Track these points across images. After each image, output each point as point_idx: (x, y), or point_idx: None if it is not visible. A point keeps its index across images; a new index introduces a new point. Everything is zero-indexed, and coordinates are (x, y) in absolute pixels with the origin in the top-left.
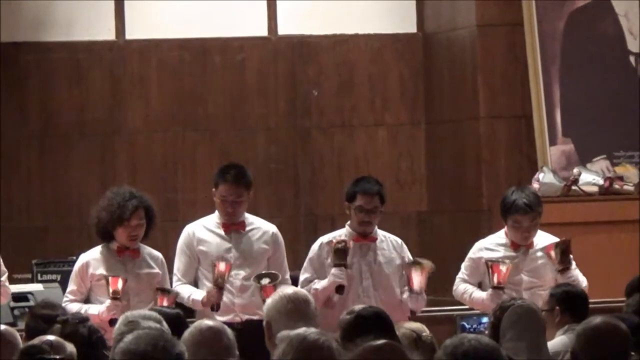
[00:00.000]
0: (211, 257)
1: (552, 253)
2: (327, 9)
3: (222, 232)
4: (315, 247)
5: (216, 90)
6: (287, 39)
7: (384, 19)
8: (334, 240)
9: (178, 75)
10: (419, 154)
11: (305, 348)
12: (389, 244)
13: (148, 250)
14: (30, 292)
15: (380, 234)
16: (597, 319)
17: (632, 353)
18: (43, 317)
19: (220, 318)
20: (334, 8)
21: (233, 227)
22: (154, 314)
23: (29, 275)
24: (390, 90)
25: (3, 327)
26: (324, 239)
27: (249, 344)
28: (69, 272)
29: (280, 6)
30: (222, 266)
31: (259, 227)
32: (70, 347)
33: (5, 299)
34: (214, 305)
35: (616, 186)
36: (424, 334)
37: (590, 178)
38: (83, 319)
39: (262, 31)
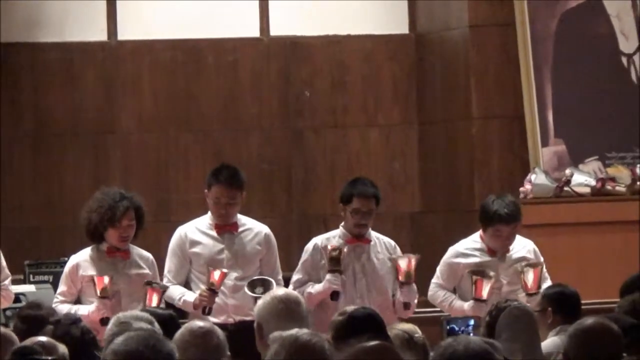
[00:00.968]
0: (204, 258)
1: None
2: (319, 10)
3: (214, 233)
4: (309, 248)
5: (209, 90)
6: (279, 39)
7: (376, 19)
8: (329, 247)
9: (171, 75)
10: (412, 155)
11: (297, 349)
12: (382, 245)
13: (138, 250)
14: (22, 293)
15: (374, 235)
16: (589, 320)
17: (624, 354)
18: (30, 318)
19: (213, 319)
20: (326, 9)
21: (226, 228)
22: (146, 315)
23: (21, 276)
24: (382, 91)
25: (2, 328)
26: (317, 240)
27: (242, 345)
28: (62, 273)
29: (272, 7)
30: (216, 275)
31: (252, 228)
32: (62, 348)
33: (7, 302)
34: (205, 308)
35: (608, 187)
36: (416, 335)
37: (582, 179)
38: (75, 320)
39: (255, 32)
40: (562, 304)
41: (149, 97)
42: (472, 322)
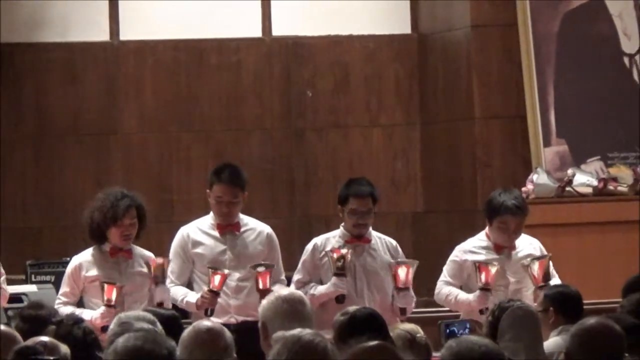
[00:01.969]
0: (206, 259)
1: (531, 269)
2: (322, 10)
3: (216, 233)
4: (308, 248)
5: (211, 90)
6: (282, 39)
7: (379, 19)
8: (334, 256)
9: (173, 75)
10: (414, 155)
11: (299, 349)
12: (384, 245)
13: (140, 251)
14: (24, 293)
15: (375, 235)
16: (591, 320)
17: (626, 354)
18: (32, 318)
19: (215, 319)
20: (328, 9)
21: (228, 228)
22: (148, 315)
23: (23, 277)
24: (385, 91)
25: (3, 327)
26: (317, 240)
27: (245, 345)
28: (63, 273)
29: (274, 7)
30: (216, 279)
31: (254, 228)
32: (64, 348)
33: (4, 302)
34: (207, 309)
35: (610, 187)
36: (418, 335)
37: (584, 179)
38: (77, 320)
39: (257, 32)
40: (564, 304)
41: (151, 97)
42: (468, 325)
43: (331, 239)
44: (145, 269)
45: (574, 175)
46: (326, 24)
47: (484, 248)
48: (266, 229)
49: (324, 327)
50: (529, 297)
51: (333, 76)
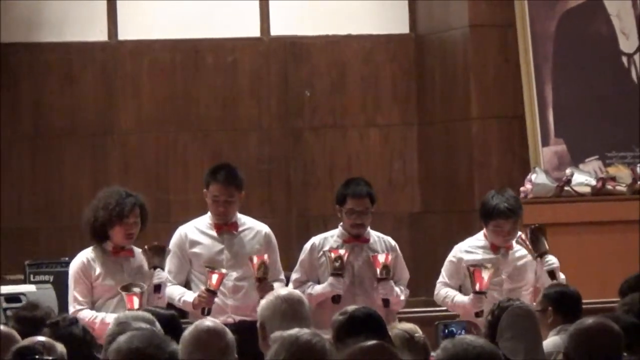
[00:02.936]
0: (204, 258)
1: (526, 242)
2: (319, 10)
3: (214, 233)
4: (306, 247)
5: (208, 90)
6: (279, 39)
7: (376, 19)
8: (332, 256)
9: (170, 76)
10: (411, 155)
11: (297, 349)
12: (382, 244)
13: (137, 250)
14: (22, 293)
15: (374, 234)
16: (589, 320)
17: (625, 354)
18: (26, 319)
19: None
20: (326, 9)
21: (225, 228)
22: (147, 315)
23: (22, 276)
24: (382, 91)
25: (2, 327)
26: (315, 239)
27: (243, 345)
28: (62, 273)
29: (272, 7)
30: (214, 279)
31: (252, 227)
32: (61, 348)
33: None
34: (204, 308)
35: (609, 187)
36: (416, 334)
37: (582, 179)
38: (73, 320)
39: (255, 32)
40: (563, 304)
41: (148, 97)
42: (465, 326)
43: (329, 239)
44: (146, 268)
45: (572, 175)
46: (324, 24)
47: (481, 248)
48: (264, 228)
49: (321, 327)
50: (526, 297)
51: (330, 76)
